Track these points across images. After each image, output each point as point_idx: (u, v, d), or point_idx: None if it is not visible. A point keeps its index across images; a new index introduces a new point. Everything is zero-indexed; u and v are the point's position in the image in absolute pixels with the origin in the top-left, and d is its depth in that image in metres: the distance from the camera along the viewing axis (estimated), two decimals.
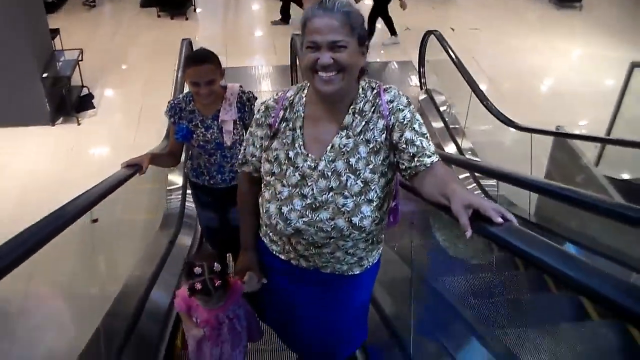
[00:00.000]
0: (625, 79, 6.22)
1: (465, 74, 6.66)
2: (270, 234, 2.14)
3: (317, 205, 1.88)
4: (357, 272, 2.13)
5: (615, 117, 6.30)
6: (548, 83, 9.86)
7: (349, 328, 2.42)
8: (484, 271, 4.20)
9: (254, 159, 2.09)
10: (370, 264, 2.17)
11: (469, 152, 6.76)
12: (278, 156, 1.95)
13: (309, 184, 1.89)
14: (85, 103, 8.68)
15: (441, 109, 7.67)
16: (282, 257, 2.16)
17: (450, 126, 7.27)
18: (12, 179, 6.99)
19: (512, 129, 5.97)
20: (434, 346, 2.85)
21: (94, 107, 8.69)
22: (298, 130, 1.94)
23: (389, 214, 2.15)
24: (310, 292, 2.22)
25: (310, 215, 1.89)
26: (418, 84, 8.50)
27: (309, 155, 1.91)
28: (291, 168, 1.92)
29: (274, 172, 1.96)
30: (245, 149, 2.11)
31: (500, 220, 1.48)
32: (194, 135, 3.18)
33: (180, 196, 5.25)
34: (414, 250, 2.69)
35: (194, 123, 3.18)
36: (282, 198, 1.92)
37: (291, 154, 1.92)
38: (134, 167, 2.94)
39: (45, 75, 8.04)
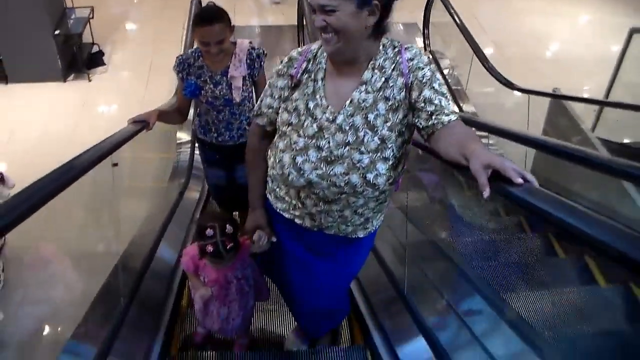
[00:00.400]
0: (624, 45, 6.06)
1: (468, 36, 6.49)
2: (277, 189, 2.07)
3: (332, 158, 1.81)
4: (361, 236, 2.08)
5: (612, 83, 6.15)
6: (551, 47, 9.63)
7: (341, 294, 2.45)
8: (490, 233, 4.14)
9: (270, 110, 1.99)
10: (375, 227, 2.11)
11: (470, 114, 6.59)
12: (297, 107, 1.88)
13: (326, 136, 1.82)
14: (95, 60, 8.61)
15: (445, 71, 7.51)
16: (286, 216, 2.09)
17: (453, 88, 7.13)
18: (25, 133, 6.92)
19: (512, 92, 5.87)
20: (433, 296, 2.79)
21: (105, 64, 8.62)
22: (320, 82, 1.86)
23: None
24: (310, 254, 2.18)
25: (324, 168, 1.82)
26: (422, 45, 8.30)
27: (329, 107, 1.83)
28: (309, 119, 1.84)
29: (292, 122, 1.88)
30: (262, 101, 2.03)
31: (520, 180, 1.39)
32: (202, 92, 3.06)
33: (189, 149, 5.20)
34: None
35: (202, 79, 3.05)
36: (297, 148, 1.85)
37: (311, 104, 1.85)
38: (141, 124, 2.82)
39: (57, 32, 7.95)
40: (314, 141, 1.83)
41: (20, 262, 3.45)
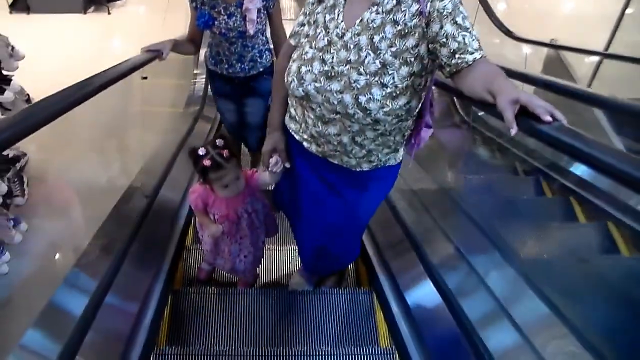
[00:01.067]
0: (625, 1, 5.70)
1: None
2: (291, 109, 1.98)
3: (332, 74, 1.70)
4: (366, 169, 1.93)
5: (613, 37, 5.82)
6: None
7: (350, 237, 2.31)
8: (484, 173, 4.06)
9: (302, 28, 1.88)
10: (383, 163, 1.94)
11: None
12: (317, 19, 1.79)
13: (332, 51, 1.71)
14: None
15: None
16: (297, 138, 1.99)
17: None
18: (45, 63, 6.69)
19: (515, 45, 5.56)
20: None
21: None
22: None
23: (414, 137, 1.94)
24: (322, 186, 2.06)
25: (322, 82, 1.72)
26: None
27: (342, 22, 1.70)
28: (323, 32, 1.75)
29: (309, 34, 1.81)
30: (298, 19, 1.91)
31: (549, 118, 1.23)
32: (216, 22, 2.85)
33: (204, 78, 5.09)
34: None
35: (216, 10, 2.83)
36: (306, 58, 1.77)
37: (328, 17, 1.74)
38: (155, 52, 2.67)
39: None
40: (321, 54, 1.73)
41: (42, 182, 3.32)
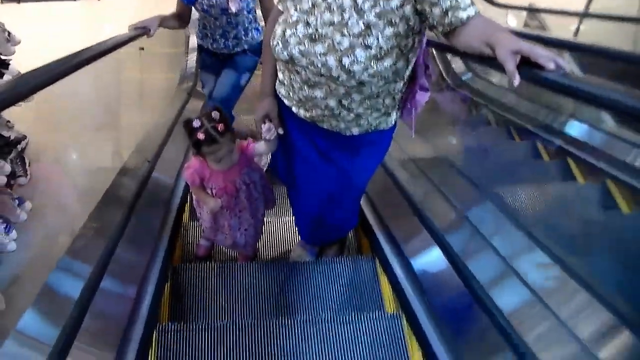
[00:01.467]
0: None
1: None
2: (280, 74, 1.92)
3: (316, 37, 1.64)
4: (356, 133, 1.88)
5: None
6: None
7: (348, 205, 2.26)
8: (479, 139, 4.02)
9: None
10: (373, 127, 1.89)
11: None
12: None
13: (316, 13, 1.64)
14: None
15: None
16: (286, 103, 1.94)
17: None
18: (38, 50, 6.61)
19: (494, 9, 5.45)
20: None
21: None
22: None
23: (409, 101, 1.89)
24: (315, 152, 2.02)
25: (306, 45, 1.65)
26: None
27: None
28: None
29: None
30: None
31: (552, 66, 1.18)
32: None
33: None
34: None
35: None
36: (290, 22, 1.70)
37: None
38: (142, 29, 2.68)
39: None
40: (305, 17, 1.66)
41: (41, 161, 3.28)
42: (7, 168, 2.15)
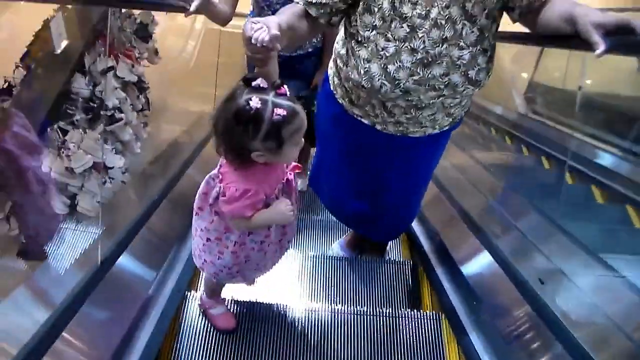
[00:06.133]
0: None
1: None
2: (354, 97, 1.69)
3: (430, 60, 1.45)
4: (446, 129, 1.76)
5: None
6: None
7: (417, 197, 2.09)
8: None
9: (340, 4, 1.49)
10: (459, 118, 1.77)
11: None
12: (382, 6, 1.44)
13: (420, 35, 1.43)
14: None
15: None
16: (365, 122, 1.73)
17: None
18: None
19: None
20: None
21: None
22: None
23: None
24: (390, 157, 1.84)
25: (421, 73, 1.46)
26: None
27: (419, 1, 1.42)
28: (397, 19, 1.44)
29: (376, 24, 1.46)
30: None
31: None
32: None
33: None
34: None
35: None
36: (388, 55, 1.46)
37: (397, 2, 1.43)
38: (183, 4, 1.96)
39: None
40: (406, 44, 1.45)
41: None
42: (142, 100, 2.55)
